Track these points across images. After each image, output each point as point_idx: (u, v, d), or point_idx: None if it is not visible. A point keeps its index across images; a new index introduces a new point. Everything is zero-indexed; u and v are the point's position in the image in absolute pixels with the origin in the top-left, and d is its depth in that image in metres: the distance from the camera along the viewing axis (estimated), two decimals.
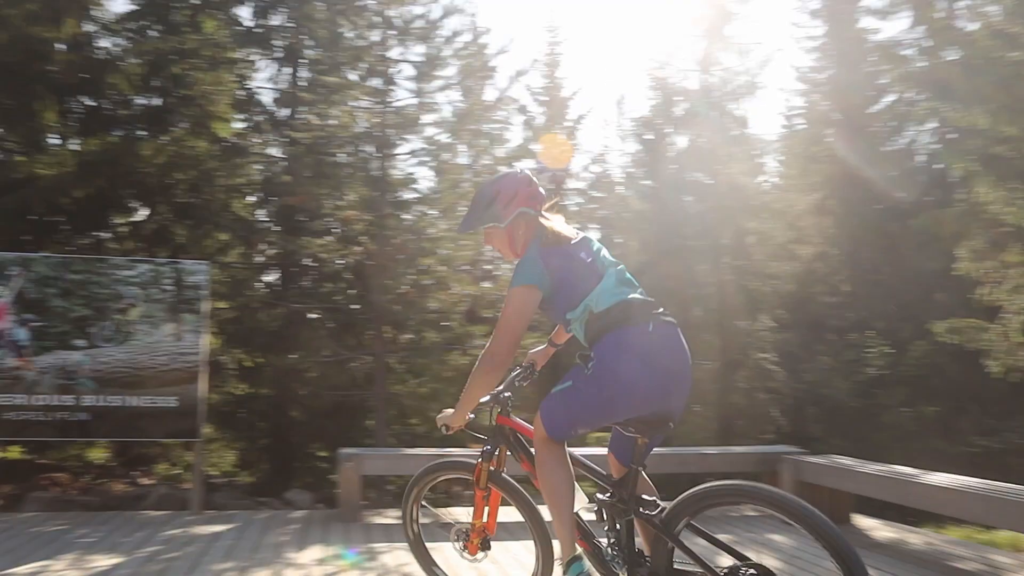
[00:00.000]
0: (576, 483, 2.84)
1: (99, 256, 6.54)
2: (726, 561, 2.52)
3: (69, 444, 8.98)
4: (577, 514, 2.80)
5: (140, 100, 9.43)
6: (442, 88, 8.07)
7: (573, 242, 2.79)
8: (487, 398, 2.99)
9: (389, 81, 7.70)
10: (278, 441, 9.20)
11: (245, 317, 8.54)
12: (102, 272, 5.79)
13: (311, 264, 8.85)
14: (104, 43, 9.56)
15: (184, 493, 7.92)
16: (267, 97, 9.03)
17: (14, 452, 9.24)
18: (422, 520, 3.50)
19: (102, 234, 8.72)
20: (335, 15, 8.31)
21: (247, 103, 9.30)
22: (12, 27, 7.83)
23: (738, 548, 2.55)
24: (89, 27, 9.27)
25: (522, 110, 15.91)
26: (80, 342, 5.69)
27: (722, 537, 2.55)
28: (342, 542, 5.06)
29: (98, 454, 10.04)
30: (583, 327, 2.68)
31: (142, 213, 9.11)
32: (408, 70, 8.06)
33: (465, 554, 3.17)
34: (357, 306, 7.75)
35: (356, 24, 7.99)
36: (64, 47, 8.54)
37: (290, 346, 8.39)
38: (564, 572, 2.67)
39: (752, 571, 2.42)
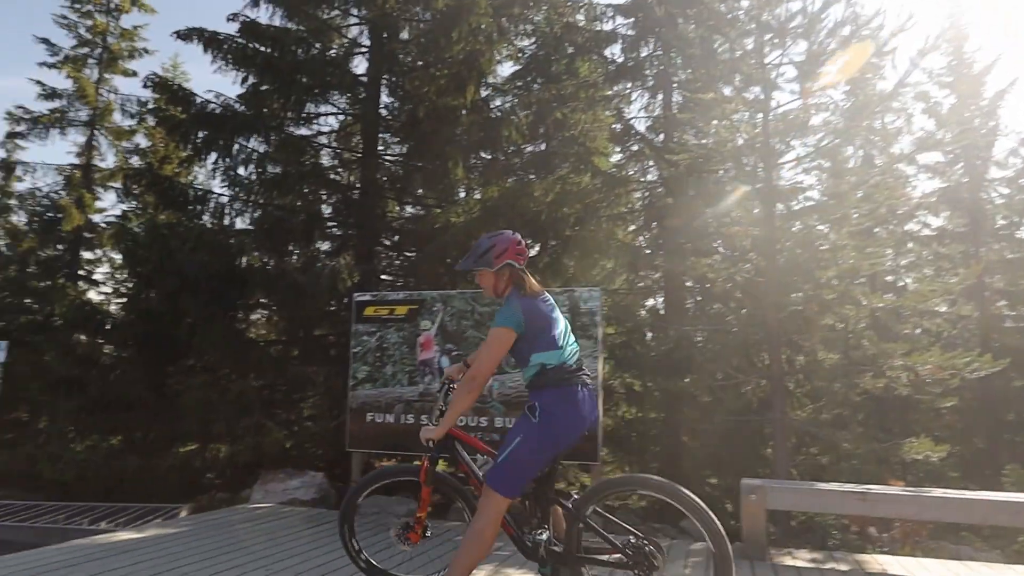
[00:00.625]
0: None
1: None
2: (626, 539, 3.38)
3: None
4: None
5: (528, 147, 10.33)
6: (829, 85, 7.26)
7: (543, 297, 3.56)
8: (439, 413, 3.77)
9: (769, 87, 7.17)
10: (669, 466, 9.07)
11: (633, 341, 8.65)
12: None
13: (696, 285, 8.66)
14: (497, 102, 10.71)
15: None
16: (641, 125, 9.20)
17: (441, 465, 10.58)
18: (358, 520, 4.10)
19: None
20: (707, 31, 8.11)
21: (623, 135, 9.56)
22: (428, 101, 9.13)
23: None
24: (484, 92, 10.47)
25: (923, 96, 13.79)
26: None
27: None
28: None
29: None
30: (533, 373, 3.44)
31: (535, 248, 9.88)
32: (789, 72, 7.44)
33: (407, 544, 3.86)
34: (749, 326, 7.27)
35: (728, 36, 7.66)
36: (465, 111, 9.68)
37: (678, 369, 8.25)
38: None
39: (646, 543, 3.34)
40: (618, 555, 3.41)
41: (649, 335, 9.23)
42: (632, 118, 9.17)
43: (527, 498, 3.55)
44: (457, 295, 6.52)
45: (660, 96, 9.68)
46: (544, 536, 3.47)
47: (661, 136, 8.91)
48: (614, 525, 3.55)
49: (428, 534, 3.92)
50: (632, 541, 3.38)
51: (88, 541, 5.55)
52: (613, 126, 9.71)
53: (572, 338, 3.61)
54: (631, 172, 9.31)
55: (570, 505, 3.47)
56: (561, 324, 3.56)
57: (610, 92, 9.99)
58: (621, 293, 9.14)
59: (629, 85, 10.08)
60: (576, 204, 8.50)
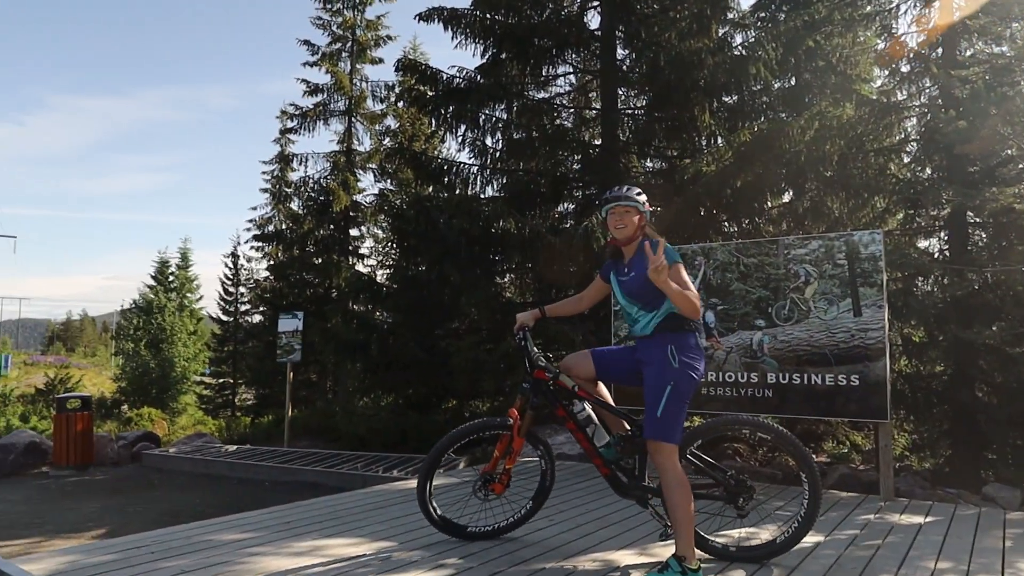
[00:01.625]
0: (598, 423, 3.84)
1: (771, 238, 6.72)
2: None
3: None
4: (601, 448, 3.79)
5: (775, 84, 9.56)
6: None
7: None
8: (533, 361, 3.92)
9: None
10: (962, 426, 8.08)
11: (912, 288, 7.77)
12: (774, 253, 5.90)
13: (988, 220, 7.52)
14: (738, 39, 10.04)
15: (863, 475, 7.63)
16: (913, 41, 8.08)
17: (696, 422, 10.40)
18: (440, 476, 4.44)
19: (757, 219, 9.09)
20: None
21: (890, 54, 8.49)
22: (670, 47, 8.77)
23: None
24: (723, 29, 9.85)
25: None
26: (760, 322, 5.90)
27: None
28: None
29: None
30: (662, 319, 3.53)
31: (791, 194, 9.20)
32: None
33: (491, 495, 4.05)
34: None
35: None
36: (709, 54, 9.17)
37: (971, 317, 7.28)
38: (682, 572, 3.34)
39: (744, 477, 3.72)
40: (718, 488, 3.71)
41: (929, 279, 8.23)
42: (902, 34, 8.09)
43: (623, 441, 3.79)
44: (720, 247, 6.24)
45: (937, 3, 8.41)
46: (626, 482, 3.79)
47: (939, 51, 7.75)
48: (709, 463, 3.78)
49: (509, 485, 4.09)
50: (731, 475, 3.69)
51: (388, 487, 6.17)
52: (876, 47, 8.66)
53: None
54: (902, 97, 8.24)
55: None
56: None
57: (871, 8, 8.88)
58: (895, 235, 8.21)
59: None
60: (839, 140, 7.74)
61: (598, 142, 10.18)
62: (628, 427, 3.85)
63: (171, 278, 27.95)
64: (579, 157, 10.19)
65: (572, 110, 11.06)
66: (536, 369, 3.93)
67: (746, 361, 5.93)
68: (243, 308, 23.98)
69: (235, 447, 11.45)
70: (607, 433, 3.88)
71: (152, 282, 27.41)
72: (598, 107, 10.40)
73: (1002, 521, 4.98)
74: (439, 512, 4.22)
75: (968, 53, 7.81)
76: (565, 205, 10.44)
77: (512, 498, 4.46)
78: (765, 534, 4.03)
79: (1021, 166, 6.80)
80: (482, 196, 10.25)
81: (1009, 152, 6.61)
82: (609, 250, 3.86)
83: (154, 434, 12.54)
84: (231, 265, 24.14)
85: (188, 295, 28.18)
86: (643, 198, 3.66)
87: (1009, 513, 5.33)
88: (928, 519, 5.01)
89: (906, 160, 8.32)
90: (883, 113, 7.92)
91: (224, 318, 23.98)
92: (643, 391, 3.57)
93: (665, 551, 4.08)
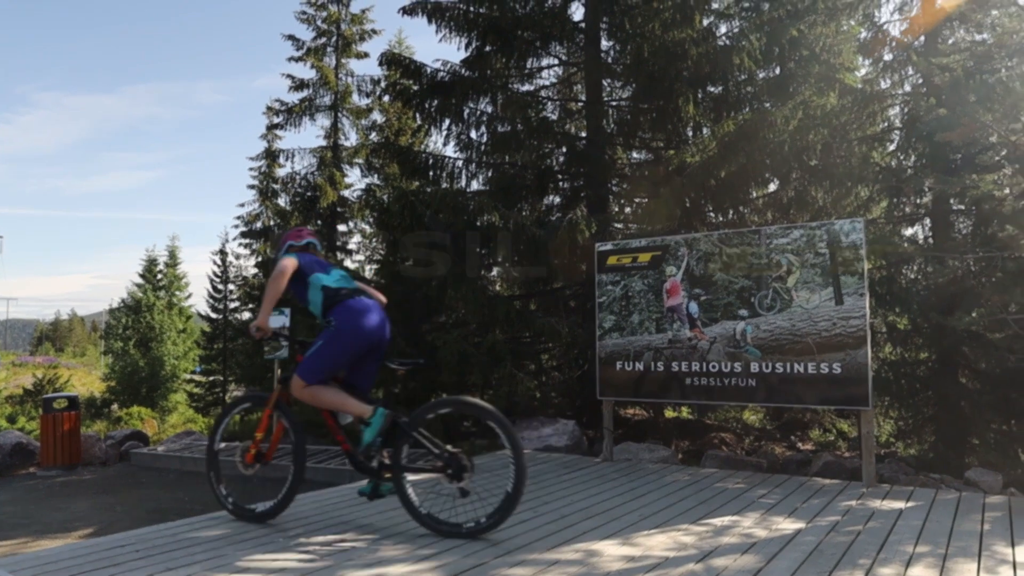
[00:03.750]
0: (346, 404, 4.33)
1: (753, 228, 6.74)
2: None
3: (726, 407, 9.68)
4: (343, 426, 4.41)
5: (760, 74, 9.58)
6: None
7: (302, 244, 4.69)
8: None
9: None
10: (946, 412, 8.16)
11: (896, 275, 7.82)
12: (756, 243, 5.93)
13: (970, 207, 7.57)
14: (723, 29, 10.05)
15: (848, 462, 7.70)
16: (896, 30, 8.10)
17: (684, 412, 10.46)
18: (220, 446, 4.85)
19: (742, 208, 9.11)
20: None
21: (874, 44, 8.52)
22: (654, 38, 8.77)
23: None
24: (707, 19, 9.86)
25: None
26: (743, 311, 5.93)
27: None
28: None
29: (751, 417, 10.61)
30: (321, 298, 4.37)
31: (775, 183, 9.22)
32: None
33: (241, 463, 4.56)
34: None
35: None
36: (692, 44, 9.17)
37: (953, 304, 7.34)
38: (370, 418, 4.20)
39: (461, 454, 4.15)
40: (439, 463, 4.15)
41: (913, 267, 8.29)
42: (884, 23, 8.10)
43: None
44: (703, 237, 6.26)
45: None
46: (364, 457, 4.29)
47: (922, 39, 7.78)
48: (432, 441, 4.24)
49: (262, 462, 4.56)
50: (449, 452, 4.15)
51: None
52: (860, 35, 8.68)
53: (343, 273, 4.58)
54: (885, 85, 8.28)
55: (401, 423, 4.25)
56: (330, 264, 4.61)
57: None
58: (879, 223, 8.25)
59: None
60: (822, 129, 7.77)
61: (583, 134, 10.17)
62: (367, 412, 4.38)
63: (159, 276, 27.80)
64: (564, 149, 10.17)
65: (557, 102, 11.03)
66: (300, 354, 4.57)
67: (730, 351, 5.96)
68: (232, 305, 23.86)
69: (224, 444, 11.38)
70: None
71: (140, 280, 27.27)
72: (583, 99, 10.37)
73: (981, 505, 5.04)
74: (230, 499, 4.77)
75: (950, 41, 7.85)
76: (551, 198, 10.43)
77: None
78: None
79: (1003, 153, 6.84)
80: (468, 190, 10.22)
81: (991, 139, 6.64)
82: None
83: (142, 432, 12.48)
84: (219, 262, 24.00)
85: (177, 293, 28.04)
86: (280, 245, 4.70)
87: (988, 497, 5.40)
88: (909, 504, 5.07)
89: (890, 148, 8.36)
90: (866, 102, 7.96)
91: (213, 316, 23.85)
92: None
93: (647, 540, 4.12)
